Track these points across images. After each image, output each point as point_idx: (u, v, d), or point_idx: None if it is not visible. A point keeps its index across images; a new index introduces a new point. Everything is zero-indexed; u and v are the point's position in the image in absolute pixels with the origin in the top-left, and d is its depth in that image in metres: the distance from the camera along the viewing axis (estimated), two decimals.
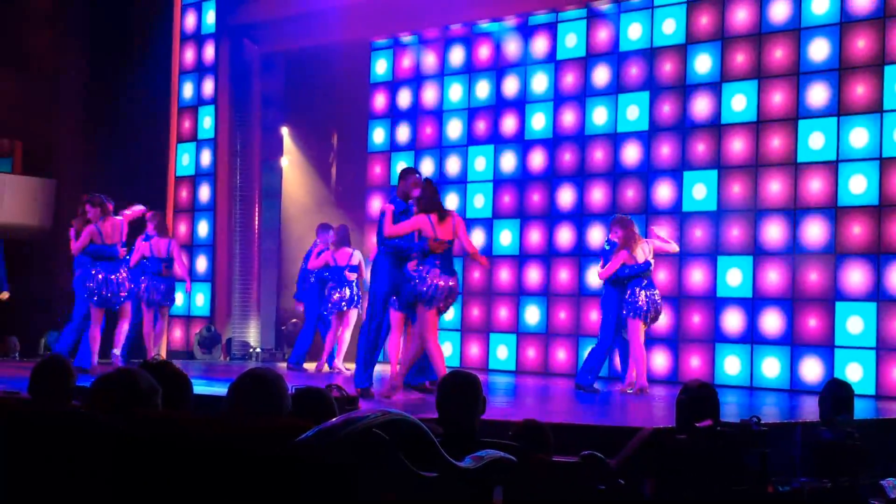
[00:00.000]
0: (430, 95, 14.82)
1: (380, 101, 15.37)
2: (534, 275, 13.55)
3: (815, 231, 11.54)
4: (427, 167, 14.66)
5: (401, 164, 14.64)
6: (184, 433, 3.41)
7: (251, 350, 14.97)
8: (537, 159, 13.71)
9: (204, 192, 15.59)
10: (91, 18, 16.04)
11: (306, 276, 13.19)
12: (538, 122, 13.74)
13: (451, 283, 9.20)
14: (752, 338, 11.86)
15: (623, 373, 11.01)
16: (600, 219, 12.88)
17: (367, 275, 12.22)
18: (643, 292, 10.49)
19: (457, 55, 14.62)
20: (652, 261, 10.69)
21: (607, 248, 10.94)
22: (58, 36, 16.01)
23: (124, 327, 11.90)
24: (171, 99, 15.91)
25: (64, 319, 13.05)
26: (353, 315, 12.76)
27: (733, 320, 12.01)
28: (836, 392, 6.90)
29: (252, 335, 15.20)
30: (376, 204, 15.13)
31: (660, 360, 12.39)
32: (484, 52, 14.34)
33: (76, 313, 11.87)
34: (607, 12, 13.21)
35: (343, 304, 12.68)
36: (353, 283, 12.74)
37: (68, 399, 4.51)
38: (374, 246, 10.35)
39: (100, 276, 11.23)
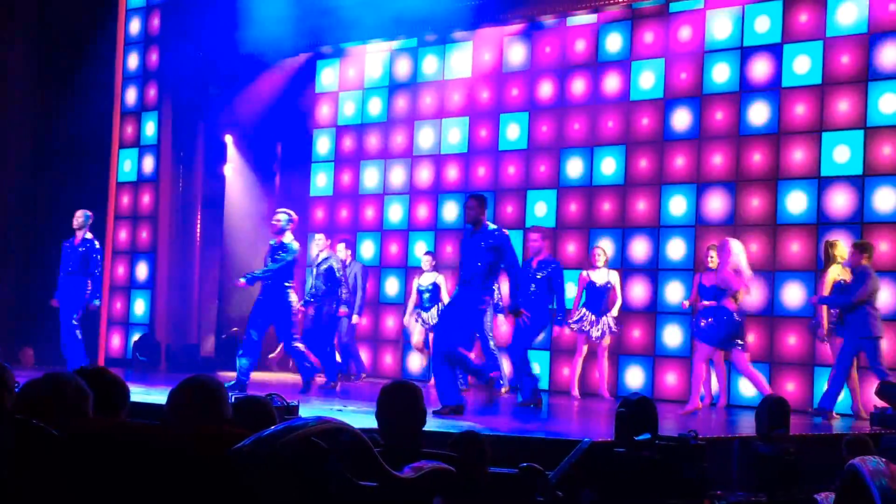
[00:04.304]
0: (375, 106, 14.81)
1: (324, 110, 15.33)
2: None
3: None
4: (371, 178, 14.65)
5: (349, 176, 14.62)
6: (119, 440, 3.37)
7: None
8: (481, 171, 13.78)
9: (145, 199, 15.43)
10: (39, 21, 15.85)
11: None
12: (480, 133, 13.82)
13: None
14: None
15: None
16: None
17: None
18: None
19: (403, 66, 14.63)
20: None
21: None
22: (5, 38, 15.77)
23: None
24: (115, 104, 15.74)
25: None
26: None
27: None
28: (771, 407, 6.98)
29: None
30: (319, 213, 15.07)
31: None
32: (429, 64, 14.37)
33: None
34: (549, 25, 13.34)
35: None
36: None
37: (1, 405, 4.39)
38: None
39: None
